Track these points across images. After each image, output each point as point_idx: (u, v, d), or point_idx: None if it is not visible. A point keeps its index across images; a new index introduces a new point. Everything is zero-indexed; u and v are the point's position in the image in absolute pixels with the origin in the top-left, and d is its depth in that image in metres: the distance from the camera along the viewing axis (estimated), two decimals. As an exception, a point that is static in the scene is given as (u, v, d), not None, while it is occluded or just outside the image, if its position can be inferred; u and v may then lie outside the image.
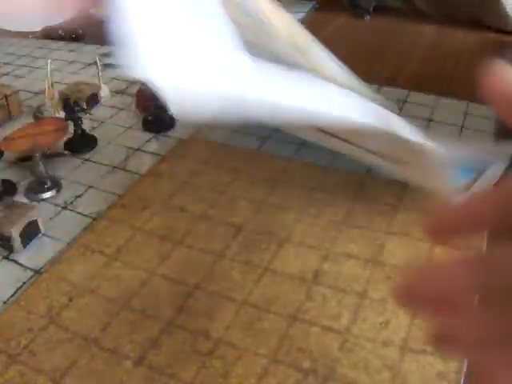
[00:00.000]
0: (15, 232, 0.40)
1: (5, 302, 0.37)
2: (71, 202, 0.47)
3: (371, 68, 0.61)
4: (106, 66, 0.73)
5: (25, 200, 0.47)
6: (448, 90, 0.62)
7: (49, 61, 0.60)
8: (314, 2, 0.97)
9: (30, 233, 0.42)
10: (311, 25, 0.88)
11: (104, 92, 0.65)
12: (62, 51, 0.81)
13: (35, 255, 0.41)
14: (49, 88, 0.58)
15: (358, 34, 0.85)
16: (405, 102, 0.61)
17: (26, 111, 0.61)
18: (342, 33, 0.85)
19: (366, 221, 0.42)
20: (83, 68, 0.74)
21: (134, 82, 0.69)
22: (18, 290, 0.38)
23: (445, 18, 0.85)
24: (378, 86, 0.63)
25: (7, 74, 0.74)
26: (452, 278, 0.20)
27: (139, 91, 0.60)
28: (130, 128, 0.58)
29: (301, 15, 0.92)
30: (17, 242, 0.41)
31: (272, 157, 0.51)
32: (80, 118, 0.54)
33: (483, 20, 0.83)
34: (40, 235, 0.43)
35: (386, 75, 0.65)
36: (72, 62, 0.77)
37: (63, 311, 0.36)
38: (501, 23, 0.80)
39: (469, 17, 0.84)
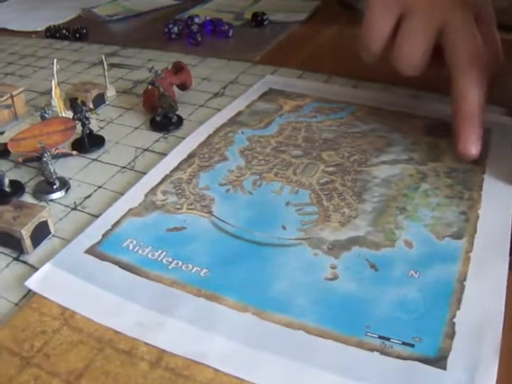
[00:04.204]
0: (26, 233, 0.40)
1: (16, 304, 0.36)
2: (80, 203, 0.46)
3: (373, 68, 0.61)
4: (112, 65, 0.73)
5: (33, 201, 0.46)
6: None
7: (55, 60, 0.59)
8: (318, 3, 0.97)
9: (41, 234, 0.42)
10: (312, 27, 0.88)
11: (110, 92, 0.64)
12: (67, 51, 0.81)
13: (46, 256, 0.40)
14: (55, 88, 0.58)
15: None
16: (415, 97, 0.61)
17: (32, 111, 0.61)
18: (344, 34, 0.85)
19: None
20: (88, 68, 0.74)
21: (140, 82, 0.68)
22: (29, 291, 0.37)
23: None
24: (383, 85, 0.63)
25: (12, 73, 0.74)
26: None
27: (146, 91, 0.60)
28: (137, 128, 0.58)
29: (304, 15, 0.92)
30: (27, 243, 0.40)
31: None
32: (88, 118, 0.54)
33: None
34: (50, 236, 0.42)
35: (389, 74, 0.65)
36: (77, 62, 0.76)
37: (76, 313, 0.35)
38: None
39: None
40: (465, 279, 0.36)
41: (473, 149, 0.46)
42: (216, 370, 0.31)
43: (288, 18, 0.91)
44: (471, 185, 0.45)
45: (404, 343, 0.32)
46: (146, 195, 0.46)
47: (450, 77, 0.48)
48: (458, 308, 0.34)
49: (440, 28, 0.48)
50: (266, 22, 0.89)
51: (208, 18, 0.87)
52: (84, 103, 0.56)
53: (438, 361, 0.31)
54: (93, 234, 0.42)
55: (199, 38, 0.82)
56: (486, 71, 0.47)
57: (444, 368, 0.31)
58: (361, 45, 0.54)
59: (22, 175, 0.50)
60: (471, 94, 0.46)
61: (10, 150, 0.50)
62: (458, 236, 0.40)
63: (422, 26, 0.49)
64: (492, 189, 0.45)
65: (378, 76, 0.64)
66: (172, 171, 0.49)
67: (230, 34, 0.85)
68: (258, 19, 0.89)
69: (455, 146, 0.47)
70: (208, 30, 0.86)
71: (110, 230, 0.42)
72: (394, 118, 0.56)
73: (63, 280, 0.38)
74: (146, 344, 0.33)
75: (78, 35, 0.85)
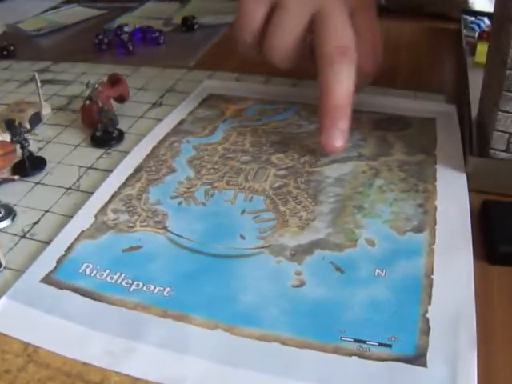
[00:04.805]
0: (-24, 268, 0.38)
1: (-26, 344, 0.35)
2: (29, 230, 0.45)
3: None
4: (44, 82, 0.70)
5: (-22, 233, 0.45)
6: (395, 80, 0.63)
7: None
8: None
9: (-8, 267, 0.40)
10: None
11: (46, 110, 0.62)
12: (-5, 70, 0.78)
13: (0, 291, 0.38)
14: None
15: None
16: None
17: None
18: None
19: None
20: (20, 86, 0.71)
21: (75, 97, 0.67)
22: (-14, 329, 0.35)
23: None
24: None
25: None
26: None
27: (84, 106, 0.58)
28: (78, 146, 0.56)
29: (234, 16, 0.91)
30: (-21, 278, 0.39)
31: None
32: (27, 140, 0.52)
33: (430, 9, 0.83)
34: (2, 268, 0.41)
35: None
36: (8, 81, 0.73)
37: (40, 347, 0.34)
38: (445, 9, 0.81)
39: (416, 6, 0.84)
40: (432, 273, 0.36)
41: (336, 142, 0.47)
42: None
43: (218, 20, 0.90)
44: (424, 176, 0.46)
45: (381, 344, 0.32)
46: (96, 216, 0.44)
47: (318, 69, 0.48)
48: (430, 303, 0.34)
49: (310, 20, 0.48)
50: (196, 26, 0.88)
51: (137, 26, 0.85)
52: (21, 124, 0.54)
53: (418, 358, 0.31)
54: (46, 261, 0.40)
55: (130, 48, 0.80)
56: (354, 64, 0.46)
57: (424, 365, 0.31)
58: (234, 36, 0.53)
59: (-37, 206, 0.48)
60: (336, 86, 0.46)
61: None
62: (419, 229, 0.40)
63: (292, 17, 0.48)
64: (445, 178, 0.45)
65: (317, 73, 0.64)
66: (120, 188, 0.48)
67: (161, 41, 0.84)
68: (188, 23, 0.88)
69: (319, 137, 0.48)
70: (138, 38, 0.84)
71: (64, 255, 0.41)
72: None
73: (21, 313, 0.36)
74: (118, 373, 0.32)
75: (5, 53, 0.82)
